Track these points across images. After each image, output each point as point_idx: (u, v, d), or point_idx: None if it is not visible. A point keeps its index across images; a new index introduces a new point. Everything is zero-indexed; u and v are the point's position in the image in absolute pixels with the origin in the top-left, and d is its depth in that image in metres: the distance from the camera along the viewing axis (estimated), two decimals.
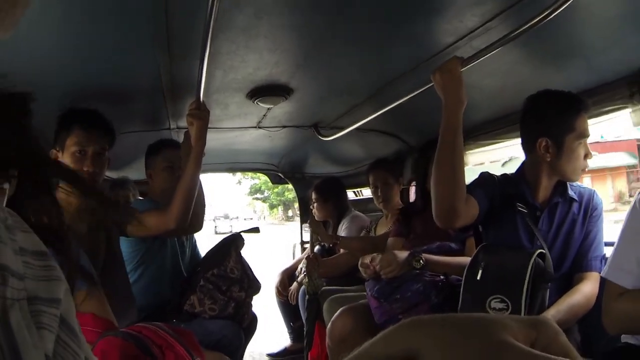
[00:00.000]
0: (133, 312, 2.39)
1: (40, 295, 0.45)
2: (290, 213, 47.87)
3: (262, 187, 45.64)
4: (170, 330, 1.64)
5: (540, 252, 2.02)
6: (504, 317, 0.46)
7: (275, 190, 42.46)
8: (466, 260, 2.45)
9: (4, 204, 1.46)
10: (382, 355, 0.48)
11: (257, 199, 48.66)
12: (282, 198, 44.68)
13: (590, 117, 2.19)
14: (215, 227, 37.48)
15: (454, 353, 0.44)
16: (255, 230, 3.39)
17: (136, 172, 3.97)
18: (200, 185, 2.51)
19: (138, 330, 1.58)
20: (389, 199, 3.60)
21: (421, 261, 2.50)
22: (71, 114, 2.19)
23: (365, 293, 2.95)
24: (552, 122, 2.08)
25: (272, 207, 49.74)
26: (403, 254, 2.57)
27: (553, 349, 0.44)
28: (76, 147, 2.14)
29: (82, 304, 1.69)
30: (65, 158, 2.14)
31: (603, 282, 2.02)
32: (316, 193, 4.44)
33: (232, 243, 2.98)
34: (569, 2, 1.36)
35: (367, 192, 5.24)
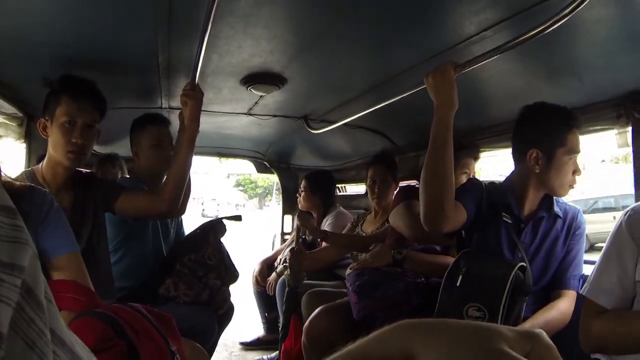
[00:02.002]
0: (113, 293, 2.35)
1: (1, 259, 0.39)
2: (262, 203, 59.59)
3: (242, 182, 58.74)
4: (148, 314, 1.60)
5: (521, 265, 2.02)
6: (502, 327, 0.46)
7: (250, 185, 56.55)
8: (444, 261, 2.48)
9: None
10: (378, 355, 0.49)
11: (240, 190, 58.74)
12: (256, 191, 58.10)
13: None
14: (203, 210, 37.31)
15: (451, 357, 0.44)
16: (238, 218, 3.34)
17: (125, 148, 3.93)
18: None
19: (115, 311, 1.54)
20: (385, 196, 3.56)
21: (402, 252, 2.51)
22: (62, 82, 2.12)
23: (344, 290, 2.95)
24: (544, 134, 2.07)
25: (250, 197, 61.00)
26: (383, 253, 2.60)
27: None
28: (65, 117, 2.07)
29: (63, 269, 1.65)
30: (54, 128, 2.08)
31: (579, 300, 2.04)
32: (306, 183, 4.41)
33: (212, 229, 2.93)
34: (565, 20, 1.37)
35: (350, 189, 5.25)
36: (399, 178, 3.56)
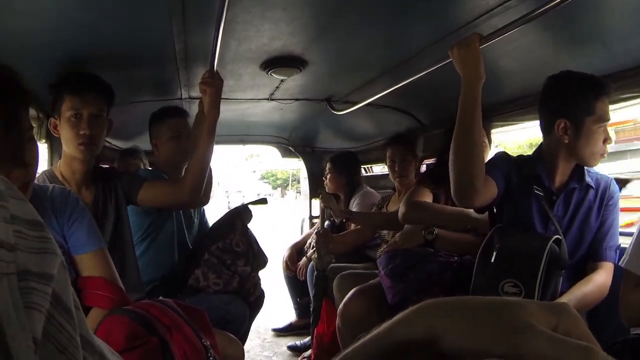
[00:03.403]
0: (141, 287, 2.37)
1: (31, 269, 0.40)
2: (283, 192, 63.41)
3: (266, 176, 65.53)
4: (179, 308, 1.60)
5: (556, 238, 1.98)
6: (527, 301, 0.46)
7: (272, 178, 63.61)
8: (474, 238, 2.44)
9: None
10: (402, 336, 0.49)
11: (265, 182, 63.67)
12: (277, 183, 63.92)
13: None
14: (229, 202, 37.60)
15: (476, 334, 0.45)
16: (263, 201, 3.34)
17: (146, 142, 3.96)
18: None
19: (145, 308, 1.55)
20: (406, 174, 3.55)
21: (434, 232, 2.49)
22: (61, 81, 2.14)
23: (375, 271, 2.93)
24: (572, 104, 2.03)
25: (273, 188, 64.71)
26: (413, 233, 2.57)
27: (574, 336, 0.44)
28: (70, 111, 2.08)
29: (91, 266, 1.69)
30: (63, 125, 2.10)
31: (617, 272, 2.00)
32: (331, 164, 4.41)
33: (238, 215, 2.92)
34: None
35: (376, 169, 5.21)
36: (426, 156, 3.52)
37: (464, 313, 0.47)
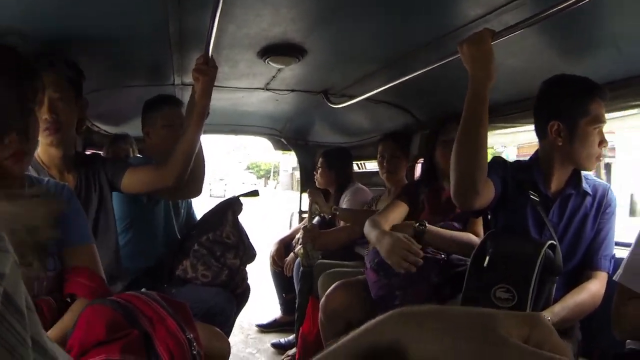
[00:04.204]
0: (122, 275, 2.36)
1: None
2: (266, 182, 67.50)
3: (251, 166, 69.36)
4: (163, 301, 1.58)
5: (551, 244, 1.96)
6: (498, 312, 0.46)
7: (256, 169, 67.02)
8: (465, 236, 2.45)
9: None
10: (370, 343, 0.48)
11: (250, 172, 66.58)
12: (260, 173, 66.87)
13: (616, 110, 2.18)
14: (210, 190, 37.72)
15: (443, 346, 0.44)
16: (255, 193, 3.32)
17: (136, 128, 3.90)
18: (201, 148, 2.42)
19: (128, 299, 1.53)
20: (394, 171, 3.54)
21: (425, 225, 2.46)
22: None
23: (362, 269, 2.89)
24: (564, 105, 2.01)
25: (258, 178, 66.59)
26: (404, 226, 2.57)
27: (546, 347, 0.43)
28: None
29: (78, 259, 1.70)
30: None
31: (611, 282, 1.98)
32: (323, 159, 4.40)
33: (230, 207, 2.90)
34: None
35: (370, 166, 5.19)
36: (422, 154, 3.50)
37: (435, 324, 0.46)
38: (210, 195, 30.73)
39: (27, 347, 0.39)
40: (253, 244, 2.90)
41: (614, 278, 1.77)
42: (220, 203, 2.97)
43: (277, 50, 2.34)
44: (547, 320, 0.46)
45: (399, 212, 2.76)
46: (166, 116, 2.80)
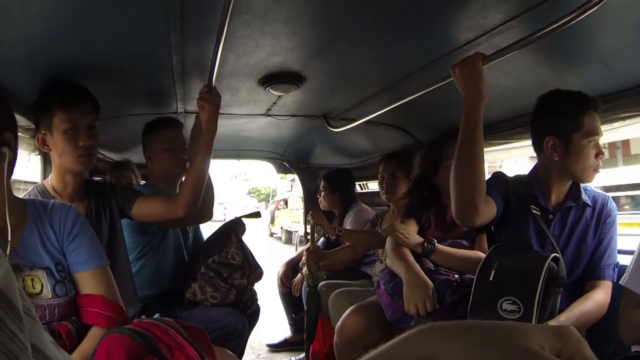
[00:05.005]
0: (135, 302, 2.35)
1: None
2: (267, 205, 67.48)
3: (252, 191, 69.69)
4: (180, 328, 1.58)
5: (554, 257, 1.98)
6: (529, 326, 0.46)
7: (257, 192, 67.58)
8: (474, 255, 2.44)
9: (5, 169, 1.44)
10: (401, 359, 0.48)
11: (251, 197, 67.65)
12: (261, 197, 67.36)
13: (605, 122, 2.17)
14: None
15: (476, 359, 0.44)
16: (257, 215, 3.35)
17: (139, 155, 3.93)
18: (209, 175, 2.44)
19: (146, 327, 1.52)
20: (393, 191, 3.55)
21: (433, 243, 2.47)
22: (51, 94, 2.09)
23: (371, 289, 2.90)
24: (558, 120, 2.04)
25: (259, 202, 68.60)
26: (414, 235, 2.59)
27: (578, 359, 0.44)
28: (67, 124, 2.04)
29: (91, 284, 1.66)
30: (56, 138, 2.06)
31: (616, 290, 1.99)
32: (325, 182, 4.44)
33: (233, 229, 2.93)
34: (594, 9, 1.32)
35: (372, 186, 5.21)
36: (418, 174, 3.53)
37: (467, 338, 0.46)
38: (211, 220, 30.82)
39: (29, 354, 0.40)
40: (258, 263, 2.93)
41: (620, 282, 1.78)
42: (224, 225, 2.99)
43: (277, 78, 2.39)
44: (577, 332, 0.46)
45: (413, 229, 2.76)
46: (167, 139, 2.79)
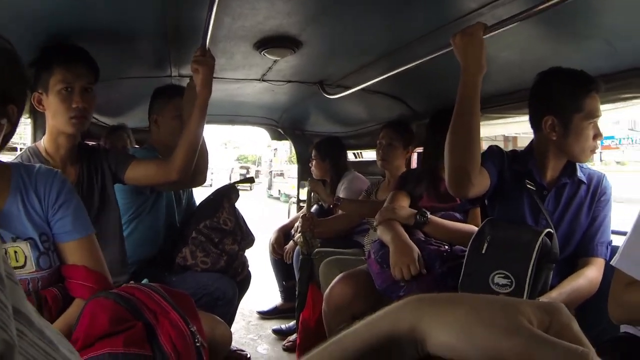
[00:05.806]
0: (125, 267, 2.34)
1: None
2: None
3: (240, 158, 73.35)
4: (165, 293, 1.57)
5: (548, 232, 1.98)
6: (519, 300, 0.45)
7: (244, 159, 69.56)
8: (467, 228, 2.44)
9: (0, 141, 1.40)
10: (387, 330, 0.48)
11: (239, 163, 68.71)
12: (249, 163, 68.67)
13: (607, 102, 2.16)
14: None
15: (464, 332, 0.44)
16: (250, 180, 3.34)
17: (132, 119, 3.88)
18: (203, 137, 2.41)
19: (131, 292, 1.51)
20: (389, 159, 3.52)
21: (426, 215, 2.47)
22: (49, 53, 2.07)
23: (362, 257, 2.90)
24: (559, 101, 2.02)
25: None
26: (405, 209, 2.59)
27: (566, 336, 0.43)
28: (62, 84, 2.02)
29: (76, 254, 1.62)
30: (51, 98, 2.04)
31: (607, 269, 1.99)
32: (315, 150, 4.42)
33: (225, 194, 2.93)
34: None
35: (367, 155, 5.19)
36: (416, 145, 3.51)
37: (455, 310, 0.46)
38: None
39: (9, 313, 0.37)
40: (250, 230, 2.92)
41: (611, 263, 1.79)
42: (217, 190, 2.99)
43: (273, 43, 2.35)
44: (567, 309, 0.46)
45: (404, 203, 2.77)
46: (178, 107, 2.72)
